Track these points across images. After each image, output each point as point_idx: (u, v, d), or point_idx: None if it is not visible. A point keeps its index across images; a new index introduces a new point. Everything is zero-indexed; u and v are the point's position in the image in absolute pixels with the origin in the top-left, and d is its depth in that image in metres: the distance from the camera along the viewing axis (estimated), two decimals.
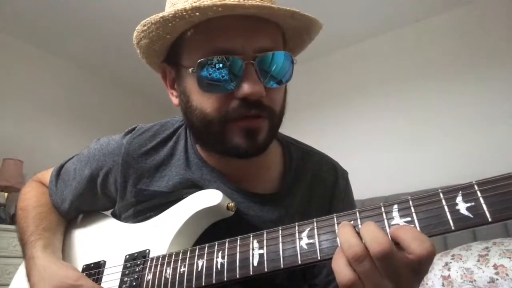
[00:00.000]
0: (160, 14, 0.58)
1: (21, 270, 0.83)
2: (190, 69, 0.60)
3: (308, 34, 0.68)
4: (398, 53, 3.04)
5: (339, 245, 0.45)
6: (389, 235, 0.43)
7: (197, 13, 0.56)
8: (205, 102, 0.61)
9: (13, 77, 3.06)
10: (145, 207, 0.73)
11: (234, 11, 0.56)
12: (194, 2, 0.57)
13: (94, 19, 2.96)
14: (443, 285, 1.74)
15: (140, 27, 0.63)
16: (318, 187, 0.76)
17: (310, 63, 3.14)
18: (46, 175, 0.88)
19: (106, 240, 0.77)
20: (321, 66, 3.29)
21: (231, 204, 0.66)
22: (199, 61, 0.58)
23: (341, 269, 0.42)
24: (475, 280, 1.67)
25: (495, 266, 1.66)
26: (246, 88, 0.58)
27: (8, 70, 3.03)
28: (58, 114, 3.33)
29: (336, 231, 0.47)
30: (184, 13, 0.56)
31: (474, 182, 0.41)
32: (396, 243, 0.42)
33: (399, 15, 2.94)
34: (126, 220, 0.76)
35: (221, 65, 0.58)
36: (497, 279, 1.61)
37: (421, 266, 0.40)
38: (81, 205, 0.83)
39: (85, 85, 3.63)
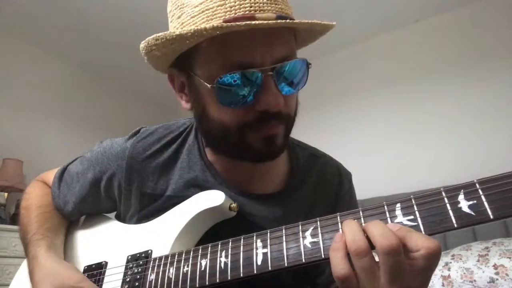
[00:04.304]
0: (177, 32, 0.57)
1: (22, 270, 0.83)
2: (209, 85, 0.59)
3: (321, 35, 0.68)
4: (398, 54, 3.05)
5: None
6: None
7: (218, 32, 0.54)
8: (223, 114, 0.61)
9: (13, 77, 3.05)
10: (150, 210, 0.73)
11: (258, 27, 0.54)
12: (207, 22, 0.56)
13: (94, 20, 2.96)
14: (443, 285, 1.75)
15: (152, 40, 0.60)
16: (323, 188, 0.76)
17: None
18: (50, 176, 0.88)
19: (108, 241, 0.77)
20: (320, 66, 3.27)
21: (234, 205, 0.66)
22: (219, 78, 0.57)
23: (339, 262, 0.43)
24: (475, 280, 1.67)
25: (495, 266, 1.67)
26: (266, 101, 0.57)
27: (8, 70, 3.03)
28: (58, 114, 3.32)
29: (340, 230, 0.47)
30: (205, 32, 0.54)
31: (475, 180, 0.42)
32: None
33: (399, 15, 2.95)
34: (130, 223, 0.76)
35: (240, 80, 0.56)
36: (497, 279, 1.62)
37: (431, 261, 0.40)
38: (84, 208, 0.82)
39: (85, 85, 3.62)
